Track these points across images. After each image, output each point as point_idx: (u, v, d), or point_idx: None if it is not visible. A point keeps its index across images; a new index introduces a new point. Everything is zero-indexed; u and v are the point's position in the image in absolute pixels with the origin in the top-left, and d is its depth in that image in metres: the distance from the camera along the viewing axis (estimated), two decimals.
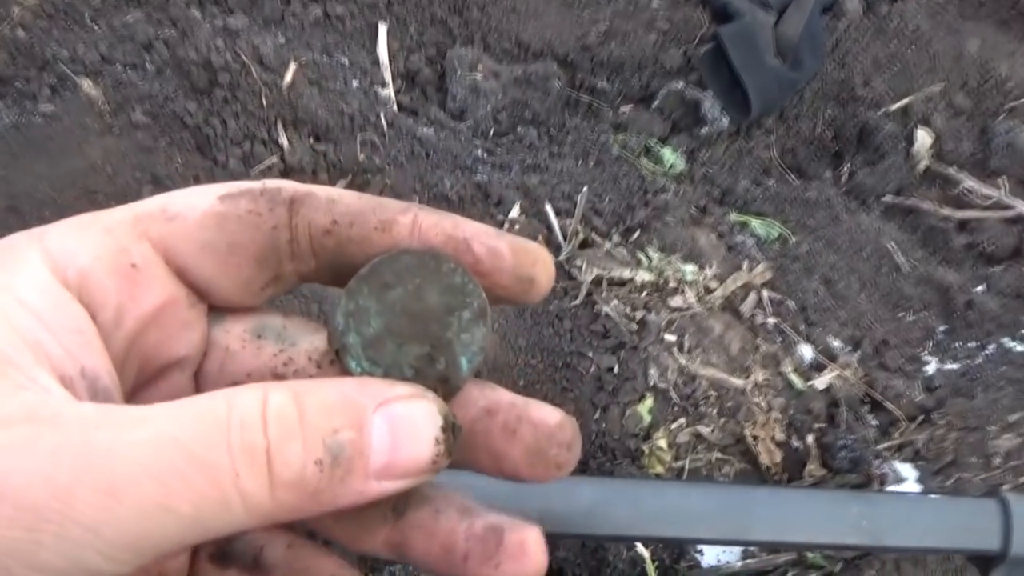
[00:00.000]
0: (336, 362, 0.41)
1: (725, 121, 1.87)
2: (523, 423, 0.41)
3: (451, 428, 0.37)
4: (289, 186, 0.41)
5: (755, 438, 1.55)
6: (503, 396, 0.42)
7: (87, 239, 0.37)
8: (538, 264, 0.42)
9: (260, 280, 0.42)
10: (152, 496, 0.29)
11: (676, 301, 1.59)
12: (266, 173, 1.63)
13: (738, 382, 1.58)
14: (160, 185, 1.58)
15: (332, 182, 1.71)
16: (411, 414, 0.36)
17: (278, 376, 0.42)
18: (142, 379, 0.40)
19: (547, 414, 0.41)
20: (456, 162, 1.77)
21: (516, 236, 0.42)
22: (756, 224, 1.83)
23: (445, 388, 0.40)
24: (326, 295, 1.51)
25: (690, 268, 1.65)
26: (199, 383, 0.42)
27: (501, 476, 0.41)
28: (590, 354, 1.56)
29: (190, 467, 0.30)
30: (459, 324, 0.40)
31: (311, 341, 0.42)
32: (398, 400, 0.36)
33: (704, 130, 1.89)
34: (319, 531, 0.41)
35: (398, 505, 0.40)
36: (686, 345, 1.58)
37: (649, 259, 1.65)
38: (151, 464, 0.30)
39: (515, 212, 1.68)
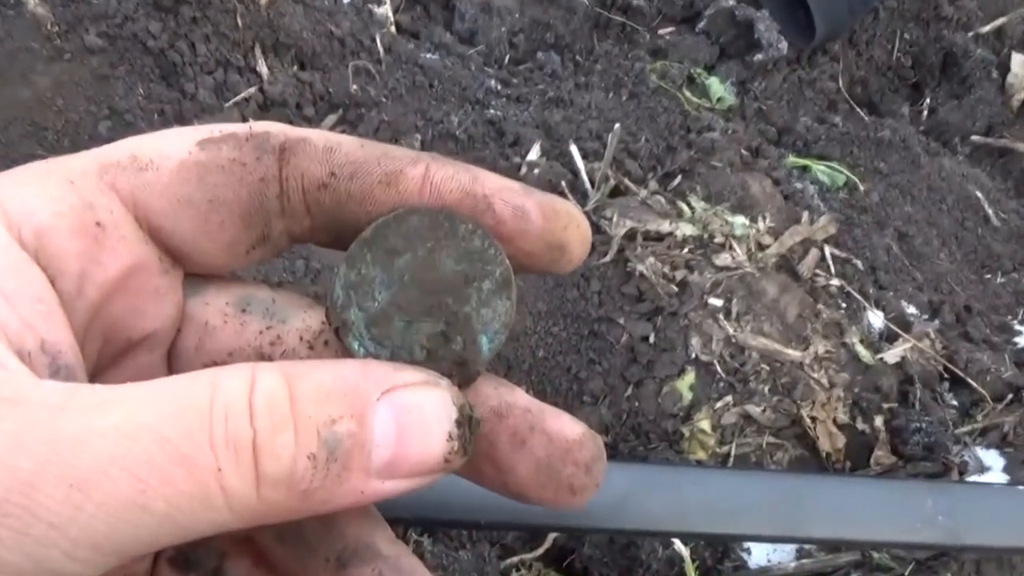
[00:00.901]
0: (332, 343, 0.42)
1: (784, 46, 1.87)
2: (536, 433, 0.41)
3: (467, 421, 0.37)
4: (279, 131, 0.41)
5: (813, 420, 1.55)
6: (518, 398, 0.42)
7: (46, 192, 0.37)
8: (571, 228, 0.41)
9: (246, 241, 0.42)
10: (124, 492, 0.30)
11: (723, 259, 1.58)
12: (242, 107, 1.63)
13: (795, 354, 1.58)
14: (119, 119, 1.58)
15: (319, 117, 1.72)
16: (421, 403, 0.36)
17: (264, 358, 0.42)
18: (106, 357, 0.40)
19: (565, 426, 0.41)
20: (465, 95, 1.76)
21: (546, 194, 0.42)
22: (818, 169, 1.83)
23: (462, 373, 0.40)
24: (322, 260, 1.52)
25: (740, 220, 1.64)
26: (172, 363, 0.43)
27: (504, 494, 0.41)
28: (621, 321, 1.55)
29: (166, 459, 0.30)
30: (478, 297, 0.40)
31: (303, 319, 0.43)
32: (406, 387, 0.36)
33: (758, 57, 1.89)
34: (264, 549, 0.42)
35: (343, 554, 0.40)
36: (734, 311, 1.57)
37: (692, 209, 1.64)
38: (123, 455, 0.30)
39: (534, 154, 1.66)
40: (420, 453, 0.35)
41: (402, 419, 0.35)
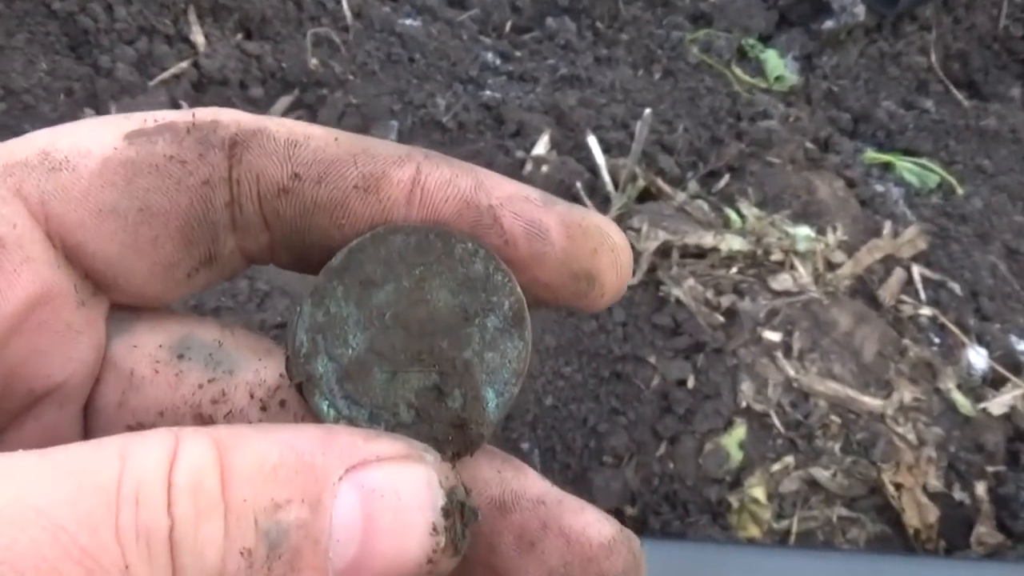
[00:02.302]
0: (292, 403, 0.42)
1: (860, 10, 1.88)
2: (550, 533, 0.40)
3: (459, 510, 0.36)
4: (230, 120, 0.41)
5: (898, 487, 1.55)
6: (528, 484, 0.41)
7: None
8: (603, 253, 0.41)
9: (187, 262, 0.42)
10: None
11: (782, 281, 1.58)
12: (171, 87, 1.61)
13: (874, 403, 1.58)
14: (15, 101, 1.58)
15: (269, 99, 1.71)
16: (397, 485, 0.35)
17: (204, 420, 0.42)
18: (2, 414, 0.40)
19: (590, 524, 0.40)
20: (454, 71, 1.76)
21: (573, 206, 0.41)
22: (904, 167, 1.82)
23: (461, 439, 0.40)
24: (272, 281, 1.51)
25: (804, 232, 1.63)
26: (89, 424, 0.43)
27: None
28: (652, 359, 1.55)
29: (60, 554, 0.30)
30: (482, 338, 0.40)
31: (257, 370, 0.43)
32: (379, 463, 0.35)
33: (828, 24, 1.89)
34: None
35: None
36: (796, 347, 1.57)
37: (742, 218, 1.63)
38: (5, 548, 0.29)
39: (541, 147, 1.65)
40: (394, 551, 0.35)
41: (371, 505, 0.34)
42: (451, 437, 0.40)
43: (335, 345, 0.40)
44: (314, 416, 0.40)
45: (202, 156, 0.40)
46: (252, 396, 0.42)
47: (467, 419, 0.40)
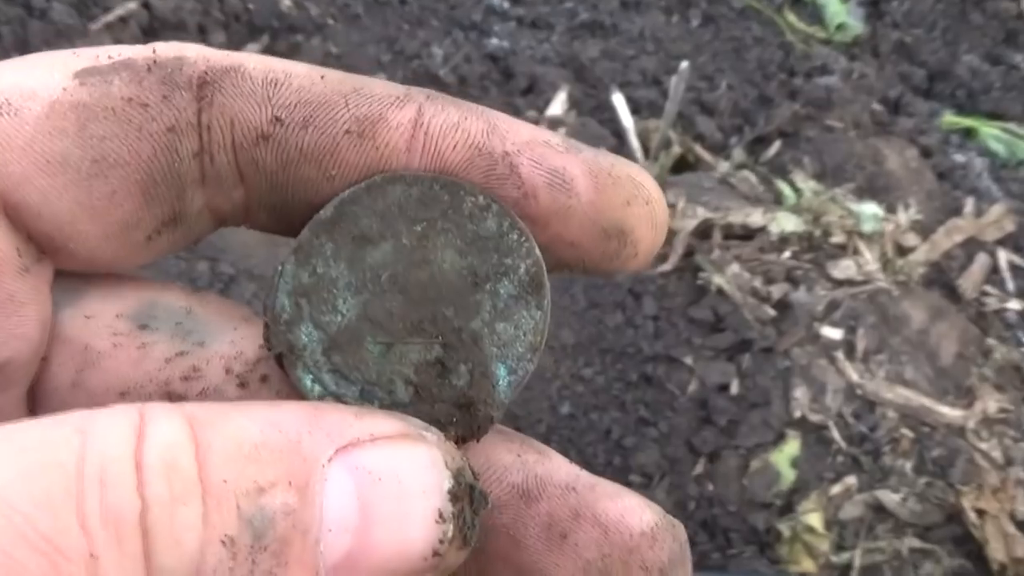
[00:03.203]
0: (274, 378, 0.42)
1: None
2: (584, 522, 0.41)
3: (468, 494, 0.37)
4: (197, 55, 0.41)
5: (980, 514, 1.53)
6: (555, 468, 0.42)
7: None
8: (637, 205, 0.42)
9: (148, 222, 0.42)
10: None
11: (844, 268, 1.58)
12: (116, 31, 1.62)
13: (953, 414, 1.56)
14: None
15: (233, 47, 1.66)
16: (396, 467, 0.36)
17: (173, 399, 0.42)
18: None
19: (629, 509, 0.41)
20: (453, 16, 1.77)
21: (601, 152, 0.42)
22: (989, 133, 1.83)
23: (466, 421, 0.41)
24: (238, 263, 1.52)
25: (870, 210, 1.64)
26: (36, 410, 0.43)
27: None
28: (688, 360, 1.55)
29: (15, 540, 0.30)
30: (493, 305, 0.41)
31: (233, 341, 0.43)
32: (375, 442, 0.36)
33: None
34: None
35: None
36: (860, 347, 1.56)
37: (796, 192, 1.64)
38: None
39: (558, 106, 1.66)
40: (395, 543, 0.35)
41: (368, 491, 0.35)
42: (455, 419, 0.40)
43: (322, 311, 0.40)
44: (297, 395, 0.41)
45: (166, 98, 0.40)
46: (228, 371, 0.43)
47: (474, 399, 0.41)
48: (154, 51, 0.41)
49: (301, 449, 0.35)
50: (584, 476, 0.42)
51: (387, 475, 0.35)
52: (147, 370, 0.43)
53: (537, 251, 0.41)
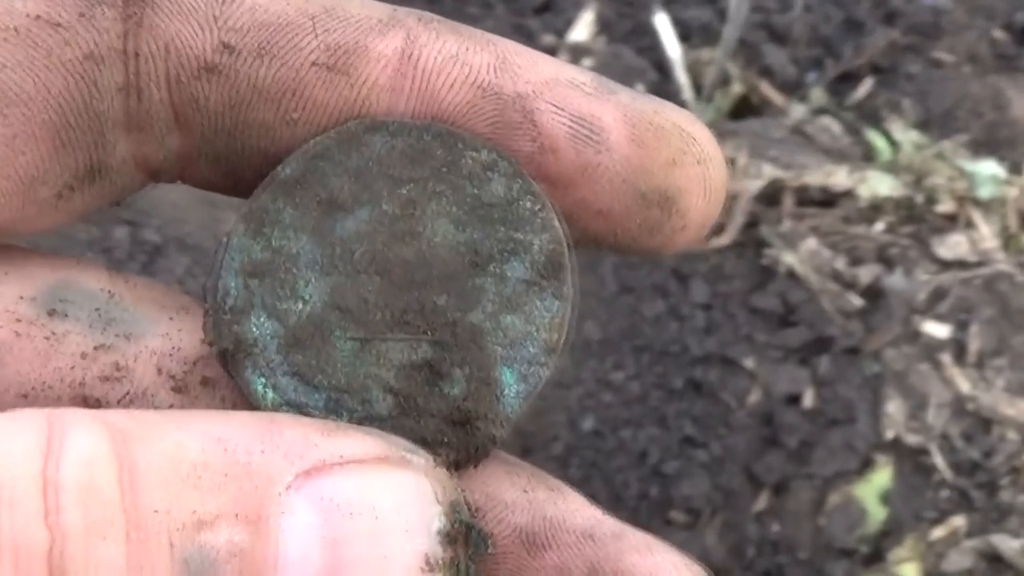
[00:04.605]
0: (219, 381, 0.43)
1: None
2: None
3: (463, 534, 0.37)
4: None
5: None
6: (572, 510, 0.43)
7: None
8: (687, 164, 0.43)
9: (57, 175, 0.43)
10: None
11: (953, 245, 1.59)
12: None
13: None
14: None
15: None
16: (373, 499, 0.36)
17: (90, 404, 0.42)
18: None
19: (660, 569, 0.42)
20: None
21: (640, 95, 0.43)
22: None
23: (462, 441, 0.41)
24: (168, 230, 1.50)
25: (988, 169, 1.64)
26: None
27: None
28: (749, 362, 1.56)
29: None
30: (499, 293, 0.42)
31: (169, 333, 0.44)
32: (345, 467, 0.36)
33: None
34: None
35: None
36: (973, 348, 1.56)
37: (893, 146, 1.65)
38: None
39: (582, 30, 1.68)
40: None
41: (336, 528, 0.35)
42: (447, 439, 0.41)
43: (279, 296, 0.41)
44: (247, 403, 0.41)
45: (84, 16, 0.41)
46: (160, 371, 0.43)
47: (471, 413, 0.41)
48: None
49: (252, 473, 0.35)
50: (608, 523, 0.42)
51: (361, 509, 0.36)
52: (57, 367, 0.43)
53: (556, 223, 0.42)
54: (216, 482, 0.34)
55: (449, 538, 0.36)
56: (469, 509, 0.38)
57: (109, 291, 0.44)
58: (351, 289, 0.41)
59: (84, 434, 0.34)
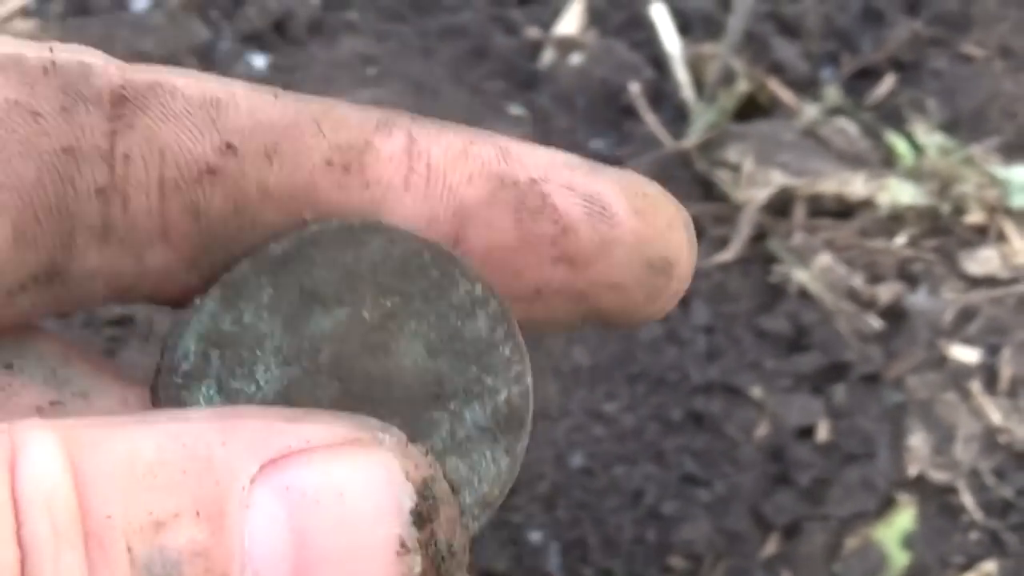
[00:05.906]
0: None
1: None
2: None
3: (438, 511, 0.38)
4: (108, 64, 0.43)
5: None
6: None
7: None
8: (678, 228, 0.46)
9: (14, 269, 0.43)
10: None
11: (984, 261, 1.54)
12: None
13: None
14: None
15: None
16: (340, 484, 0.37)
17: None
18: None
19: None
20: None
21: (622, 171, 0.46)
22: None
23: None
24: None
25: (1021, 176, 1.61)
26: None
27: None
28: (756, 391, 1.52)
29: None
30: (451, 433, 0.43)
31: (127, 399, 0.46)
32: (311, 453, 0.37)
33: None
34: None
35: None
36: (1006, 374, 1.51)
37: (916, 150, 1.63)
38: None
39: (571, 20, 1.68)
40: None
41: (303, 517, 0.36)
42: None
43: (235, 374, 0.42)
44: None
45: (66, 110, 0.42)
46: None
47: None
48: (51, 50, 0.42)
49: (213, 467, 0.36)
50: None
51: (328, 495, 0.37)
52: (12, 416, 0.42)
53: (529, 379, 0.44)
54: (174, 480, 0.36)
55: (422, 517, 0.38)
56: (450, 485, 0.39)
57: (64, 355, 0.46)
58: (307, 388, 0.42)
59: (38, 443, 0.35)
